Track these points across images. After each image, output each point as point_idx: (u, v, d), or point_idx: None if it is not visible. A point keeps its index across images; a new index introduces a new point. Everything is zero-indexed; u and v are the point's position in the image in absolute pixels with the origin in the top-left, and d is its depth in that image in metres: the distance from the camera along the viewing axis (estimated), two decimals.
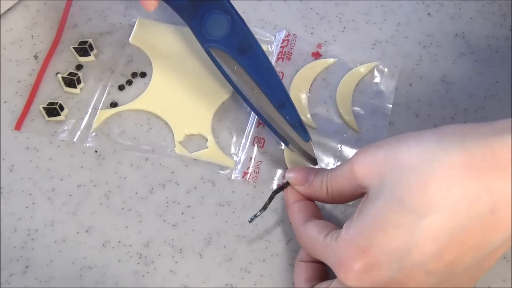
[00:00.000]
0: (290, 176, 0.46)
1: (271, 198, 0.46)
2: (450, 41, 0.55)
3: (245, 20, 0.48)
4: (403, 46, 0.55)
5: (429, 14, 0.57)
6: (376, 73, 0.54)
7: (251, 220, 0.45)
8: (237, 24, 0.48)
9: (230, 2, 0.49)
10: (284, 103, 0.48)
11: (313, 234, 0.41)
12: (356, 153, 0.40)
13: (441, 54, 0.55)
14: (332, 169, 0.43)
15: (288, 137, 0.47)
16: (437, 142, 0.37)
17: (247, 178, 0.49)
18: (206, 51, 0.49)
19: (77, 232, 0.47)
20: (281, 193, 0.47)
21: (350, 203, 0.46)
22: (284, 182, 0.47)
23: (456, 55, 0.54)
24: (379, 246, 0.37)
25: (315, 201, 0.46)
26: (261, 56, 0.48)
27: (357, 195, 0.41)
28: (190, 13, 0.49)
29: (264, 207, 0.46)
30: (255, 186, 0.49)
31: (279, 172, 0.50)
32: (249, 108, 0.50)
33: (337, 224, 0.43)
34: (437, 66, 0.54)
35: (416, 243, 0.36)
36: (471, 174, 0.35)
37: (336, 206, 0.48)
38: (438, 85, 0.53)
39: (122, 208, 0.48)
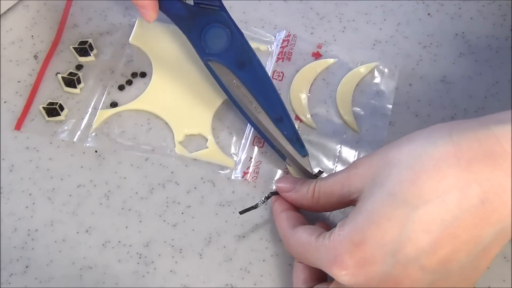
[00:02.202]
0: (278, 185, 0.46)
1: (266, 198, 0.47)
2: (450, 41, 0.55)
3: (245, 20, 0.49)
4: (403, 46, 0.55)
5: (429, 14, 0.56)
6: (376, 73, 0.53)
7: (242, 212, 0.46)
8: (236, 38, 0.49)
9: (229, 14, 0.49)
10: (281, 118, 0.48)
11: (304, 237, 0.41)
12: (353, 162, 0.42)
13: (441, 54, 0.55)
14: (322, 177, 0.44)
15: (286, 152, 0.48)
16: (425, 139, 0.38)
17: (247, 178, 0.49)
18: (205, 64, 0.49)
19: (77, 232, 0.47)
20: None
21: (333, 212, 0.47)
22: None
23: (456, 55, 0.54)
24: (373, 240, 0.37)
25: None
26: (260, 71, 0.49)
27: (343, 203, 0.42)
28: (189, 25, 0.49)
29: (255, 206, 0.46)
30: (255, 186, 0.49)
31: (279, 172, 0.50)
32: None
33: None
34: (437, 66, 0.54)
35: (409, 236, 0.36)
36: (460, 164, 0.36)
37: (330, 214, 0.48)
38: (438, 85, 0.53)
39: (122, 208, 0.48)
